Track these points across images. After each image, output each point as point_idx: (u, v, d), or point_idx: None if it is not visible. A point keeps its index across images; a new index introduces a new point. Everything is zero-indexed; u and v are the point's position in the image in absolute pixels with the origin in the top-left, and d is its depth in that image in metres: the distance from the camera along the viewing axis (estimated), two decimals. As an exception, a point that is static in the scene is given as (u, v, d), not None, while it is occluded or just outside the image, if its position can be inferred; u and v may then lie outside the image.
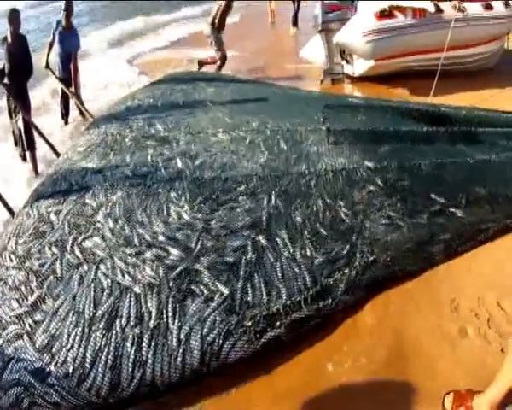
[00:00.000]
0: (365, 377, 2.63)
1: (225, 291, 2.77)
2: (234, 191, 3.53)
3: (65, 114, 7.62)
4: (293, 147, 4.14)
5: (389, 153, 4.13)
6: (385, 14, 7.37)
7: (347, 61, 7.89)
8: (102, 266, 3.03)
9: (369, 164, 3.90)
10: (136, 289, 2.83)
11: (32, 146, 5.98)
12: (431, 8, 7.31)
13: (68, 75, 7.15)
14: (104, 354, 2.60)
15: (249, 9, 16.58)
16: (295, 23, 13.16)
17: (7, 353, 2.79)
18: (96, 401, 2.54)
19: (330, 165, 3.89)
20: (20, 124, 5.96)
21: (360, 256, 3.12)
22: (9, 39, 5.89)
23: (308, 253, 3.06)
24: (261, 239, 3.09)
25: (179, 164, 3.93)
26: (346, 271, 3.01)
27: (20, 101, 5.85)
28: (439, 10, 7.28)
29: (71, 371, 2.59)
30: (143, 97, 5.62)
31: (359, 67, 7.60)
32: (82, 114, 7.57)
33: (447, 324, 2.89)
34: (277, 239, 3.11)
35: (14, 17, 5.82)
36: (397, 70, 7.40)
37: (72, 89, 7.12)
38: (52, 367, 2.63)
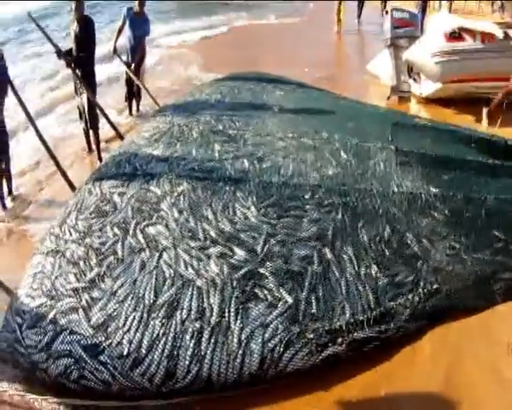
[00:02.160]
0: (416, 404, 2.62)
1: (289, 300, 2.73)
2: (300, 200, 3.49)
3: (128, 99, 7.73)
4: (360, 162, 4.09)
5: (455, 181, 4.06)
6: (454, 36, 7.23)
7: (415, 80, 7.76)
8: (165, 255, 3.04)
9: (435, 190, 3.83)
10: (199, 284, 2.83)
11: (95, 125, 6.11)
12: (499, 33, 7.12)
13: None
14: (162, 342, 2.62)
15: (313, 17, 16.55)
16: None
17: (60, 323, 2.85)
18: (148, 386, 2.56)
19: (397, 186, 3.83)
20: (85, 102, 6.08)
21: (424, 284, 3.05)
22: (75, 21, 6.02)
23: (373, 273, 3.00)
24: (327, 252, 3.05)
25: (246, 164, 3.92)
26: (410, 297, 2.95)
27: (85, 81, 5.96)
28: (507, 37, 7.10)
29: (125, 353, 2.62)
30: (211, 92, 5.65)
31: (426, 87, 7.47)
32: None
33: (502, 366, 2.79)
34: (343, 254, 3.07)
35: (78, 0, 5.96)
36: (464, 95, 7.23)
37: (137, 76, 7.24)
38: (106, 346, 2.67)
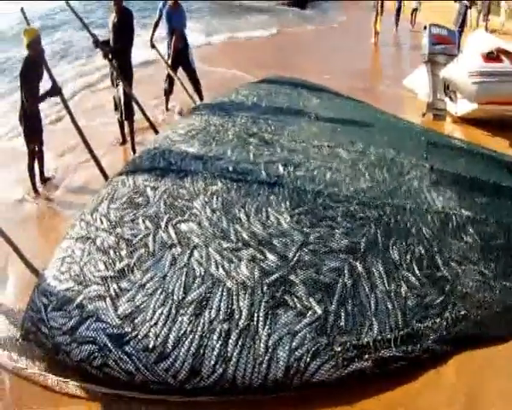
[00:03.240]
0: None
1: (318, 310, 2.73)
2: (334, 210, 3.48)
3: (168, 93, 7.69)
4: (395, 178, 4.07)
5: (487, 206, 4.02)
6: (492, 57, 7.14)
7: (451, 99, 7.67)
8: (196, 253, 3.07)
9: (467, 213, 3.79)
10: (229, 285, 2.84)
11: (130, 117, 6.11)
12: None
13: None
14: (189, 339, 2.64)
15: (348, 27, 16.51)
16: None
17: (86, 309, 2.91)
18: (171, 382, 2.60)
19: (429, 205, 3.80)
20: (121, 93, 6.09)
21: (452, 309, 3.01)
22: (114, 12, 6.05)
23: (402, 292, 2.98)
24: (358, 266, 3.04)
25: (280, 169, 3.92)
26: (438, 320, 2.91)
27: (122, 72, 5.98)
28: None
29: (151, 346, 2.66)
30: (248, 94, 5.67)
31: (462, 107, 7.37)
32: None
33: (525, 398, 2.74)
34: (374, 270, 3.05)
35: None
36: (499, 117, 7.12)
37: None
38: (132, 337, 2.72)
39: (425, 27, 8.26)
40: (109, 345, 2.72)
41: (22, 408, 3.02)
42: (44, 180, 5.74)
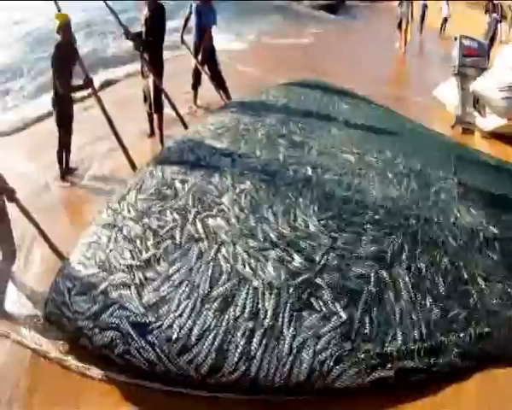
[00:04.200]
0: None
1: (343, 315, 2.73)
2: (361, 216, 3.49)
3: (194, 87, 7.66)
4: (422, 189, 4.06)
5: None
6: None
7: (480, 113, 7.59)
8: (223, 249, 3.09)
9: (494, 230, 3.77)
10: (256, 284, 2.86)
11: (159, 109, 6.11)
12: None
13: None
14: (213, 334, 2.66)
15: (378, 34, 16.43)
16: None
17: (110, 296, 2.95)
18: (193, 375, 2.61)
19: (456, 219, 3.78)
20: (151, 85, 6.08)
21: (476, 325, 2.98)
22: (147, 6, 6.03)
23: (427, 304, 2.97)
24: (384, 274, 3.03)
25: (309, 172, 3.94)
26: (461, 335, 2.90)
27: (153, 66, 5.97)
28: None
29: (175, 337, 2.68)
30: (278, 95, 5.69)
31: (491, 122, 7.27)
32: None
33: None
34: (399, 279, 3.04)
35: None
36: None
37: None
38: (155, 327, 2.74)
39: (455, 39, 8.20)
40: (132, 333, 2.75)
41: (43, 390, 3.06)
42: (70, 170, 5.81)
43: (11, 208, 3.57)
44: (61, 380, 3.01)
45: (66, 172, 5.72)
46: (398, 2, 14.55)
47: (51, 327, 3.20)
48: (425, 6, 16.91)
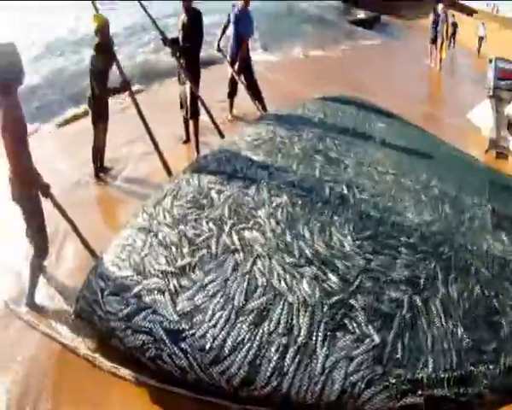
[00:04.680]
0: None
1: (376, 339, 2.73)
2: (396, 239, 3.48)
3: (230, 96, 7.71)
4: (456, 215, 4.03)
5: None
6: None
7: (514, 138, 7.52)
8: (259, 263, 3.12)
9: None
10: (291, 300, 2.87)
11: (195, 116, 6.15)
12: None
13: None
14: (246, 347, 2.68)
15: (413, 51, 16.38)
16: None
17: (144, 300, 2.99)
18: (225, 386, 2.63)
19: (489, 247, 3.73)
20: (187, 92, 6.12)
21: (506, 357, 2.93)
22: (183, 12, 6.08)
23: (459, 333, 2.94)
24: (417, 299, 3.02)
25: (345, 191, 3.95)
26: (492, 367, 2.85)
27: (189, 72, 6.00)
28: None
29: (208, 347, 2.70)
30: (315, 110, 5.69)
31: (526, 147, 7.22)
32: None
33: None
34: (432, 306, 3.03)
35: None
36: None
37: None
38: (189, 335, 2.77)
39: (490, 60, 8.15)
40: (165, 339, 2.78)
41: (70, 385, 3.16)
42: (104, 169, 5.91)
43: (45, 203, 3.68)
44: (89, 377, 3.10)
45: (101, 170, 5.85)
46: (431, 19, 14.55)
47: (81, 324, 3.27)
48: (455, 24, 16.89)
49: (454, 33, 16.92)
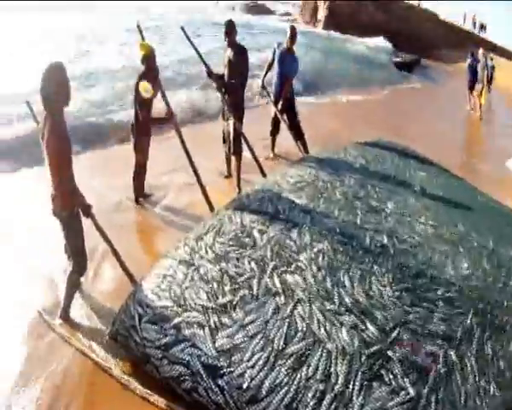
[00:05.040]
0: None
1: (411, 392, 2.76)
2: (434, 292, 3.51)
3: (272, 134, 7.76)
4: (494, 270, 4.02)
5: None
6: None
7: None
8: (300, 308, 3.18)
9: None
10: (329, 347, 2.92)
11: (238, 153, 6.21)
12: None
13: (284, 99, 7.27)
14: (283, 390, 2.73)
15: (452, 95, 16.37)
16: None
17: (183, 332, 3.07)
18: None
19: None
20: (231, 128, 6.18)
21: None
22: (229, 47, 6.13)
23: (491, 391, 2.95)
24: (452, 355, 3.04)
25: (385, 240, 4.00)
26: None
27: (233, 108, 6.07)
28: None
29: (245, 386, 2.77)
30: (356, 155, 5.77)
31: None
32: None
33: None
34: (467, 362, 3.04)
35: (229, 27, 6.06)
36: None
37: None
38: (226, 372, 2.84)
39: None
40: (202, 373, 2.85)
41: (100, 405, 3.24)
42: (144, 195, 6.03)
43: (85, 221, 3.80)
44: (120, 399, 3.17)
45: (141, 196, 5.97)
46: (467, 63, 14.63)
47: (115, 345, 3.36)
48: (492, 67, 16.87)
49: (491, 77, 16.86)
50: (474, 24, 35.97)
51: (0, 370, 3.46)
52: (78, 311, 3.98)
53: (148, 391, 3.04)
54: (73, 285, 3.91)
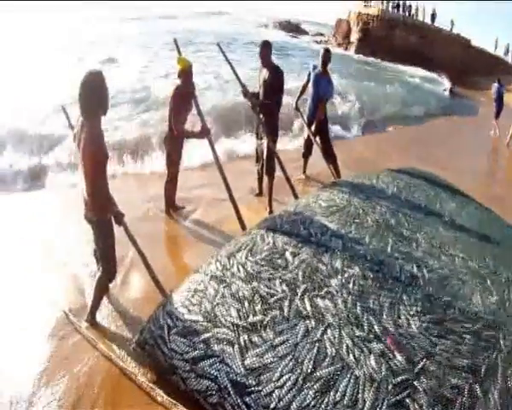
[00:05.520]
0: None
1: None
2: (461, 325, 3.52)
3: (304, 156, 7.80)
4: None
5: None
6: None
7: None
8: (329, 332, 3.22)
9: None
10: (357, 373, 2.96)
11: (270, 173, 6.23)
12: None
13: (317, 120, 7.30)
14: None
15: (482, 122, 16.24)
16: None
17: (212, 347, 3.12)
18: None
19: None
20: (264, 148, 6.22)
21: None
22: (264, 68, 6.16)
23: None
24: (477, 389, 3.04)
25: (415, 270, 4.03)
26: None
27: (267, 128, 6.10)
28: None
29: (272, 406, 2.81)
30: (388, 182, 5.82)
31: None
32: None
33: None
34: (490, 397, 3.04)
35: (265, 48, 6.10)
36: None
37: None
38: (254, 391, 2.88)
39: None
40: (230, 389, 2.90)
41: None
42: (175, 207, 6.14)
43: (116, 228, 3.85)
44: (143, 407, 3.20)
45: (172, 208, 6.07)
46: (492, 91, 14.59)
47: (141, 353, 3.41)
48: None
49: None
50: (507, 51, 35.66)
51: (25, 367, 3.54)
52: (105, 316, 4.07)
53: (173, 401, 3.09)
54: (101, 290, 3.97)
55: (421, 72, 27.77)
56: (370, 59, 30.29)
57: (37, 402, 3.24)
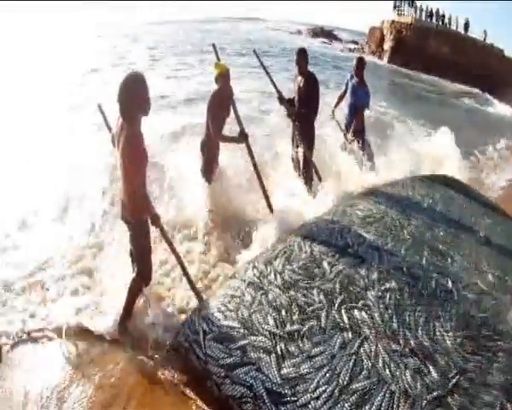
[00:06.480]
0: None
1: None
2: (495, 342, 3.53)
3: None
4: None
5: None
6: None
7: None
8: (366, 345, 3.26)
9: None
10: (393, 388, 2.99)
11: (308, 180, 6.17)
12: None
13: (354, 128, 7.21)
14: None
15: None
16: None
17: (248, 355, 3.15)
18: None
19: None
20: (300, 156, 6.23)
21: None
22: (300, 75, 6.20)
23: None
24: (508, 407, 3.05)
25: (450, 285, 4.03)
26: None
27: (303, 136, 6.13)
28: None
29: None
30: (424, 194, 5.77)
31: None
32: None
33: None
34: None
35: (301, 55, 6.14)
36: None
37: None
38: (290, 400, 2.91)
39: None
40: (265, 397, 2.93)
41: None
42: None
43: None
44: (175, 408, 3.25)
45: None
46: None
47: (175, 356, 3.45)
48: None
49: None
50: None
51: (57, 364, 3.61)
52: (138, 317, 4.03)
53: (205, 406, 3.15)
54: (135, 291, 3.92)
55: (459, 85, 27.21)
56: (404, 70, 29.88)
57: (68, 399, 3.30)
